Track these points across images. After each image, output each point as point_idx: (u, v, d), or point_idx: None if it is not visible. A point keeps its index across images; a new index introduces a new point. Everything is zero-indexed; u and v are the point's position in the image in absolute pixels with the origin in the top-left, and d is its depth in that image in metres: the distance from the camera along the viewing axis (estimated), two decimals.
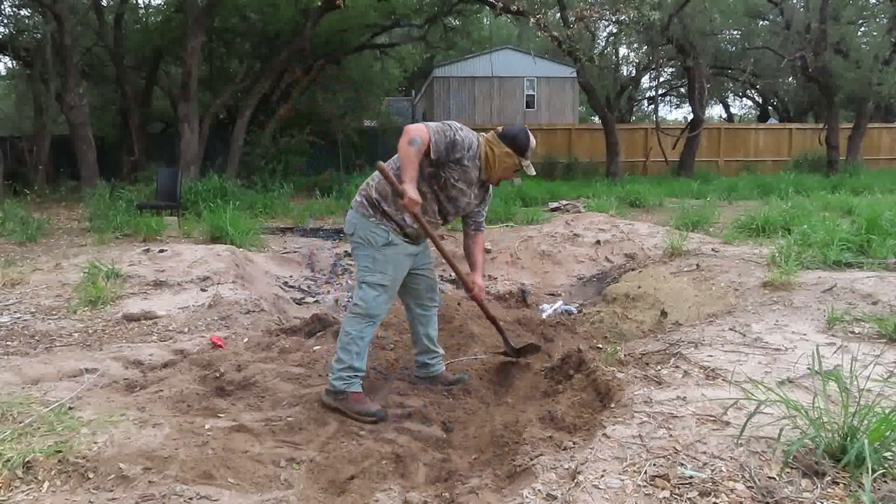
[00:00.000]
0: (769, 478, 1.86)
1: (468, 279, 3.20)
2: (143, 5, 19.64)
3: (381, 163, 2.89)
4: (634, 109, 31.40)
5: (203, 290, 4.97)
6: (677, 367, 2.91)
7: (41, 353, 3.75)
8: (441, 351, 3.41)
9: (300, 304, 5.45)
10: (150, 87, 18.17)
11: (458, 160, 2.91)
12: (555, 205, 10.87)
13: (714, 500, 1.79)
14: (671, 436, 2.16)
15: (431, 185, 2.94)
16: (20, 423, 2.44)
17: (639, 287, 4.69)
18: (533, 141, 3.03)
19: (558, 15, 16.24)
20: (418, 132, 2.78)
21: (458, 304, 4.67)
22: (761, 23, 21.48)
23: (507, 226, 8.70)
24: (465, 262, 3.34)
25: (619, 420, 2.35)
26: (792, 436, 1.99)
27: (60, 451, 2.22)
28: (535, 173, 3.12)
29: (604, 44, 20.78)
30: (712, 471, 1.92)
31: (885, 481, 1.80)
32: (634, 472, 1.95)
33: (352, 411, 2.90)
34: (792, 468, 1.90)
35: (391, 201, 2.92)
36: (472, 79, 23.56)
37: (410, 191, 2.76)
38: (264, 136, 15.51)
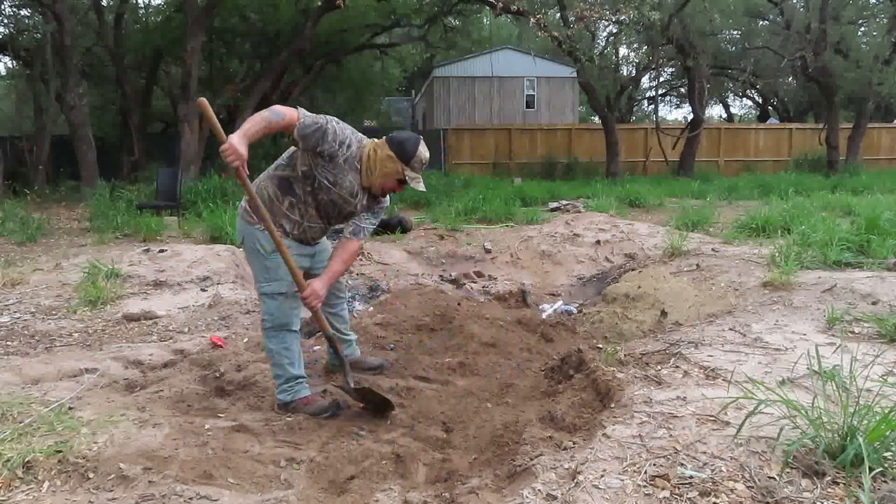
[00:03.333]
0: (769, 478, 1.86)
1: (303, 283, 2.81)
2: (143, 5, 19.66)
3: (202, 99, 2.68)
4: (634, 109, 31.41)
5: (203, 290, 4.97)
6: (677, 367, 2.91)
7: (41, 353, 3.75)
8: (352, 336, 3.41)
9: None
10: (150, 87, 18.17)
11: (330, 156, 2.72)
12: (555, 205, 10.87)
13: (714, 500, 1.79)
14: (671, 436, 2.16)
15: (305, 185, 2.80)
16: (20, 423, 2.44)
17: (639, 287, 4.69)
18: (423, 152, 2.82)
19: (558, 15, 16.24)
20: (286, 110, 2.65)
21: (459, 304, 4.67)
22: (761, 23, 21.49)
23: (507, 226, 8.70)
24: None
25: (619, 420, 2.35)
26: (792, 436, 1.99)
27: (60, 451, 2.22)
28: (423, 189, 2.88)
29: (604, 44, 20.79)
30: (712, 471, 1.92)
31: (885, 481, 1.80)
32: (634, 472, 1.95)
33: (307, 414, 2.89)
34: (792, 468, 1.90)
35: (268, 207, 2.79)
36: (472, 79, 23.58)
37: (234, 140, 2.51)
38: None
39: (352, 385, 2.93)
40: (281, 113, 2.64)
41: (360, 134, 2.89)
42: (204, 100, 2.70)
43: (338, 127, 2.75)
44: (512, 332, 4.28)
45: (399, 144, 2.79)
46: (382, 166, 2.78)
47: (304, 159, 2.77)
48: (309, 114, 2.72)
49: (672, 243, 5.93)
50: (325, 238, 3.13)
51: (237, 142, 2.52)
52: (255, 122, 2.60)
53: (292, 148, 2.83)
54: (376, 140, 2.88)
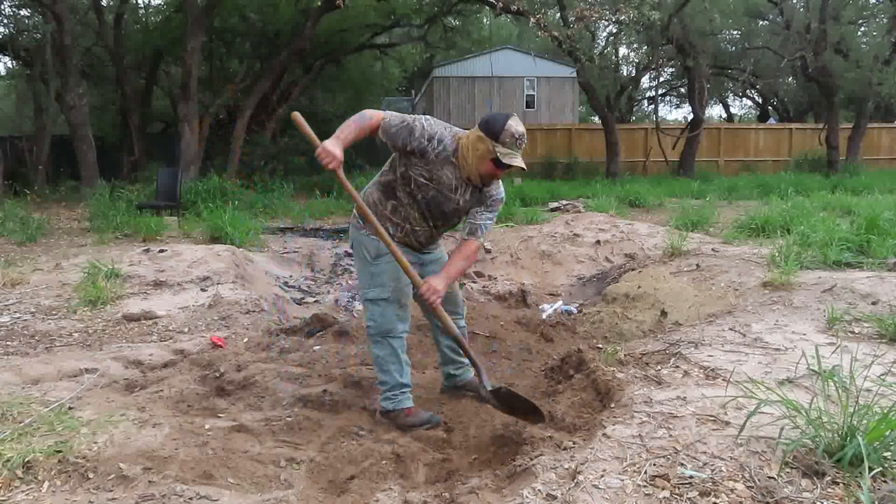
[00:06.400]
0: (769, 478, 1.86)
1: (418, 278, 2.72)
2: (143, 5, 19.66)
3: (296, 113, 2.72)
4: (634, 109, 31.40)
5: (203, 290, 4.97)
6: (677, 367, 2.91)
7: (41, 353, 3.75)
8: (466, 359, 3.15)
9: (300, 304, 5.45)
10: (150, 87, 18.17)
11: (421, 152, 2.67)
12: (555, 205, 10.87)
13: (714, 500, 1.79)
14: (671, 436, 2.16)
15: (405, 187, 2.76)
16: (20, 423, 2.44)
17: (639, 287, 4.69)
18: (513, 125, 2.61)
19: (558, 15, 16.24)
20: (374, 112, 2.68)
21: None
22: (761, 23, 21.49)
23: (507, 226, 8.70)
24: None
25: (619, 420, 2.35)
26: (792, 436, 1.99)
27: (60, 451, 2.22)
28: (521, 166, 2.64)
29: (604, 44, 20.80)
30: (712, 471, 1.92)
31: (885, 481, 1.80)
32: (634, 472, 1.95)
33: (405, 426, 2.81)
34: (792, 468, 1.90)
35: (374, 211, 2.80)
36: (472, 79, 23.56)
37: (328, 144, 2.52)
38: (264, 136, 15.51)
39: (488, 388, 2.74)
40: (369, 115, 2.67)
41: (457, 129, 2.79)
42: (297, 113, 2.71)
43: (426, 123, 2.70)
44: (512, 331, 4.28)
45: (486, 121, 2.66)
46: (474, 149, 2.65)
47: (400, 161, 2.76)
48: (396, 114, 2.72)
49: (672, 243, 5.93)
50: (440, 248, 3.05)
51: (331, 145, 2.52)
52: (346, 126, 2.62)
53: (393, 154, 2.81)
54: (471, 130, 2.76)
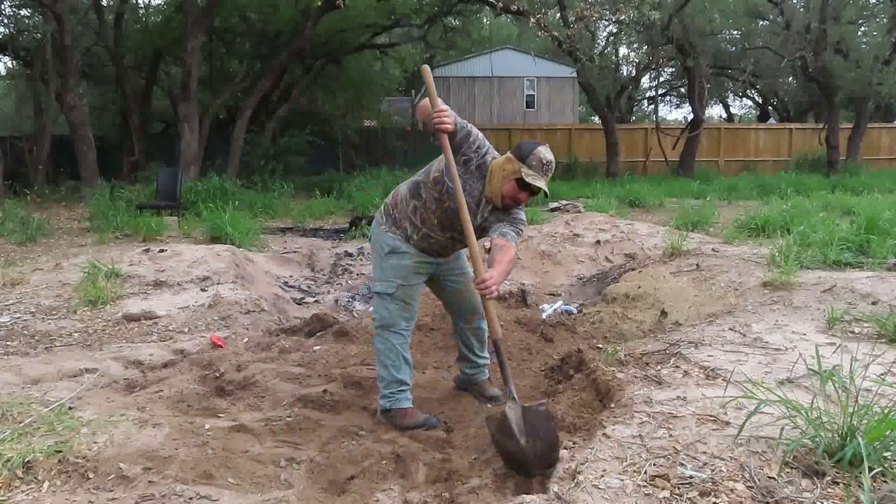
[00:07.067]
0: (769, 478, 1.86)
1: (482, 269, 2.58)
2: (143, 5, 19.66)
3: (425, 66, 2.79)
4: (634, 109, 31.39)
5: (203, 290, 4.97)
6: (677, 367, 2.91)
7: (41, 353, 3.75)
8: (481, 361, 3.25)
9: (300, 304, 5.45)
10: (150, 87, 18.16)
11: (465, 160, 2.74)
12: (555, 205, 10.86)
13: (714, 500, 1.78)
14: (671, 436, 2.16)
15: (433, 191, 2.80)
16: (20, 423, 2.44)
17: (639, 287, 4.69)
18: (542, 152, 2.69)
19: (558, 15, 16.24)
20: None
21: None
22: (761, 23, 21.49)
23: None
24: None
25: (619, 420, 2.35)
26: (792, 436, 1.99)
27: (60, 451, 2.22)
28: (543, 187, 2.68)
29: (604, 44, 20.80)
30: (712, 471, 1.92)
31: (885, 481, 1.80)
32: (634, 472, 1.95)
33: (402, 428, 2.84)
34: (792, 468, 1.90)
35: (400, 206, 2.90)
36: (472, 79, 23.55)
37: (448, 109, 2.63)
38: (264, 136, 15.51)
39: (518, 403, 2.30)
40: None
41: (495, 151, 2.88)
42: (426, 67, 2.77)
43: (478, 133, 2.78)
44: (512, 332, 4.28)
45: (518, 146, 2.77)
46: (501, 168, 2.74)
47: (439, 165, 2.80)
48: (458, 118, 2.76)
49: (672, 243, 5.93)
50: (460, 254, 3.07)
51: (439, 104, 2.60)
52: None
53: (436, 161, 2.85)
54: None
